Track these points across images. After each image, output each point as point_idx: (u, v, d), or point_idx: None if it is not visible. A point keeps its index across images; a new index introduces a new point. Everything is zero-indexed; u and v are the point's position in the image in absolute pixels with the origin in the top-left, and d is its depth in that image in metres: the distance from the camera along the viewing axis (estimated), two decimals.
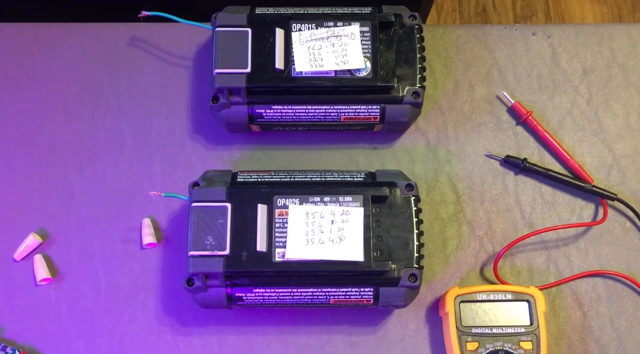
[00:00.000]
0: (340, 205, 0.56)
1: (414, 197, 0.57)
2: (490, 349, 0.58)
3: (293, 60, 0.60)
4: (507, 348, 0.58)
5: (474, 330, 0.58)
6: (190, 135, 0.66)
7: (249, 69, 0.60)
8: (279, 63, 0.60)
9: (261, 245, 0.55)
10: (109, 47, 0.68)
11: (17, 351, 0.59)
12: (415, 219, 0.57)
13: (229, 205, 0.56)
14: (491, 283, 0.63)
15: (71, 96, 0.67)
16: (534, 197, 0.65)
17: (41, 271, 0.62)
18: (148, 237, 0.62)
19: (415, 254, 0.56)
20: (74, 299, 0.62)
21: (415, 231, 0.56)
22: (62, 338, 0.61)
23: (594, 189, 0.64)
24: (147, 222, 0.63)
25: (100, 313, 0.61)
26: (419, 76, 0.61)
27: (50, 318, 0.61)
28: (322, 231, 0.55)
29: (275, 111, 0.61)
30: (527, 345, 0.58)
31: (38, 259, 0.62)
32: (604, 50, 0.69)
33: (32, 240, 0.62)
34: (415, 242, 0.56)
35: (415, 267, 0.56)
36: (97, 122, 0.66)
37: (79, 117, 0.66)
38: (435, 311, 0.62)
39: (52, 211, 0.64)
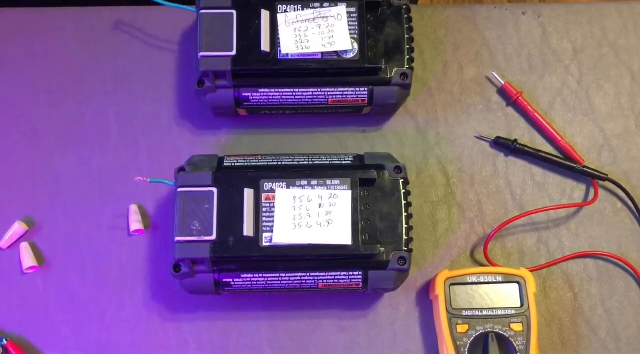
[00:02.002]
0: (327, 188, 0.55)
1: (402, 180, 0.57)
2: (481, 331, 0.58)
3: (279, 43, 0.59)
4: (497, 330, 0.58)
5: (464, 313, 0.58)
6: (176, 120, 0.65)
7: (234, 52, 0.59)
8: (265, 45, 0.59)
9: (248, 230, 0.54)
10: (93, 31, 0.67)
11: (4, 340, 0.59)
12: (403, 202, 0.56)
13: (215, 190, 0.55)
14: (482, 265, 0.63)
15: (55, 82, 0.66)
16: (524, 179, 0.65)
17: (27, 259, 0.61)
18: (135, 223, 0.62)
19: (404, 237, 0.55)
20: (61, 287, 0.61)
21: (404, 214, 0.56)
22: (50, 326, 0.60)
23: (585, 169, 0.64)
24: (134, 208, 0.63)
25: (87, 301, 0.61)
26: (407, 57, 0.61)
27: (38, 306, 0.61)
28: (310, 215, 0.54)
29: (261, 94, 0.60)
30: (517, 327, 0.58)
31: (24, 247, 0.61)
32: (595, 29, 0.68)
33: (17, 228, 0.62)
34: (404, 225, 0.56)
35: (404, 250, 0.55)
36: (81, 107, 0.65)
37: (63, 103, 0.65)
38: (425, 294, 0.62)
39: (37, 198, 0.63)
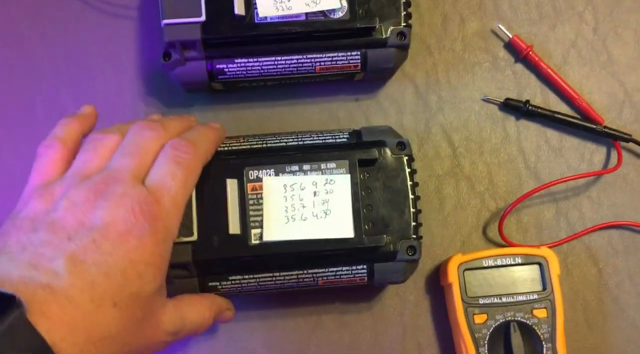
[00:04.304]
0: (323, 173, 0.48)
1: (406, 157, 0.50)
2: (501, 320, 0.52)
3: (255, 4, 0.51)
4: (519, 318, 0.52)
5: (481, 301, 0.52)
6: (142, 97, 0.57)
7: (203, 18, 0.50)
8: (239, 8, 0.50)
9: (234, 227, 0.47)
10: None
11: None
12: (409, 183, 0.49)
13: None
14: (496, 244, 0.56)
15: None
16: (538, 144, 0.58)
17: None
18: None
19: (412, 223, 0.49)
20: None
21: (411, 196, 0.49)
22: None
23: (606, 130, 0.57)
24: None
25: None
26: (403, 13, 0.52)
27: None
28: (304, 206, 0.47)
29: (238, 65, 0.52)
30: (541, 313, 0.52)
31: None
32: None
33: None
34: (412, 209, 0.49)
35: (413, 237, 0.48)
36: (31, 91, 0.57)
37: (9, 87, 0.57)
38: (435, 279, 0.56)
39: None
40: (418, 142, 0.57)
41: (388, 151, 0.49)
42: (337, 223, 0.47)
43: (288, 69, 0.53)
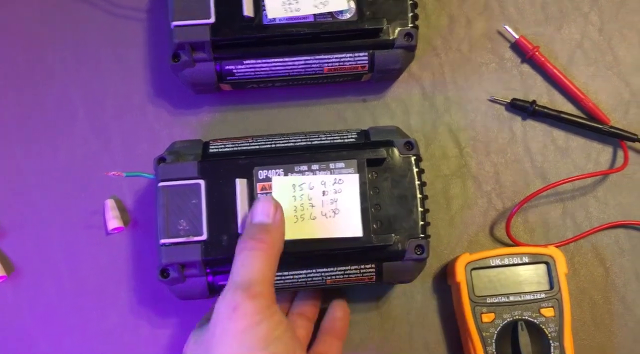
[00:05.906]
0: (331, 173, 0.48)
1: (414, 157, 0.50)
2: (509, 319, 0.52)
3: (264, 6, 0.51)
4: (526, 317, 0.52)
5: (489, 300, 0.52)
6: (151, 99, 0.57)
7: (212, 19, 0.51)
8: (248, 10, 0.51)
9: (243, 226, 0.47)
10: (48, 1, 0.58)
11: None
12: (417, 182, 0.49)
13: (202, 182, 0.48)
14: (503, 243, 0.56)
15: (8, 63, 0.57)
16: (545, 144, 0.58)
17: None
18: (113, 221, 0.55)
19: (420, 222, 0.49)
20: (34, 298, 0.54)
21: (419, 196, 0.49)
22: (26, 343, 0.54)
23: (612, 130, 0.57)
24: (110, 203, 0.55)
25: (66, 312, 0.54)
26: (410, 15, 0.53)
27: (10, 321, 0.54)
28: (313, 205, 0.48)
29: (247, 66, 0.53)
30: (548, 312, 0.52)
31: None
32: None
33: None
34: (419, 209, 0.49)
35: (421, 237, 0.49)
36: (41, 92, 0.57)
37: (20, 87, 0.57)
38: (442, 278, 0.56)
39: (0, 198, 0.56)
40: (425, 142, 0.58)
41: (396, 151, 0.50)
42: (346, 222, 0.47)
43: (296, 70, 0.53)
